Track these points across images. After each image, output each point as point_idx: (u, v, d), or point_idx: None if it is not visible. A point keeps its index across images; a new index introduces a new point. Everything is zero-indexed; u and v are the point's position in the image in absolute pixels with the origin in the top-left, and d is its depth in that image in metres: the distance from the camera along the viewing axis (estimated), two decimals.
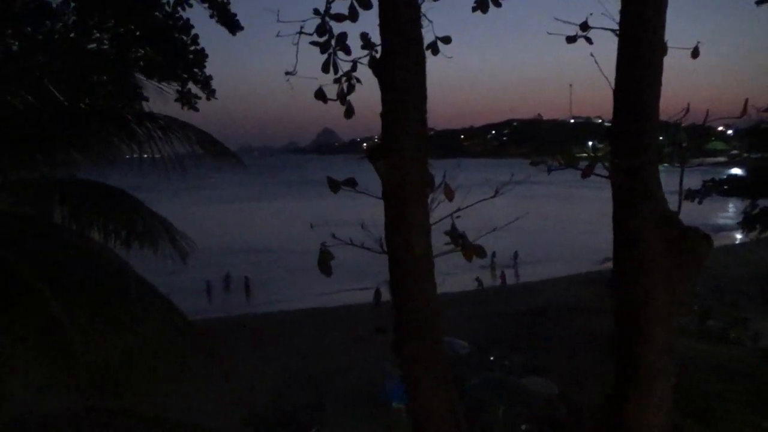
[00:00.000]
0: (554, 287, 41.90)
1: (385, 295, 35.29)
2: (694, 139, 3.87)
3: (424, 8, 3.86)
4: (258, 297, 45.35)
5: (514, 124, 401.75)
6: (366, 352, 25.28)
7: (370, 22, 4.10)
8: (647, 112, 3.67)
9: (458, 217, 3.86)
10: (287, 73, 4.50)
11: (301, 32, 4.29)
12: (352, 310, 37.30)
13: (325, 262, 4.00)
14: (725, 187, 31.44)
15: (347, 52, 4.40)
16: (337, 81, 4.47)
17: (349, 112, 4.56)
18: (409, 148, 3.74)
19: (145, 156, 7.45)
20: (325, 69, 4.41)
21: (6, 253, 5.56)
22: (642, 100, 3.67)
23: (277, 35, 4.32)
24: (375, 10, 3.91)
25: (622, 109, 3.76)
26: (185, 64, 12.18)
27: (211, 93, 12.92)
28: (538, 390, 19.64)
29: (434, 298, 3.97)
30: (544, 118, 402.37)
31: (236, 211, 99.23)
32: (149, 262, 7.75)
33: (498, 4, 4.57)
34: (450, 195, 3.89)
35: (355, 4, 4.22)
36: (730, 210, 70.82)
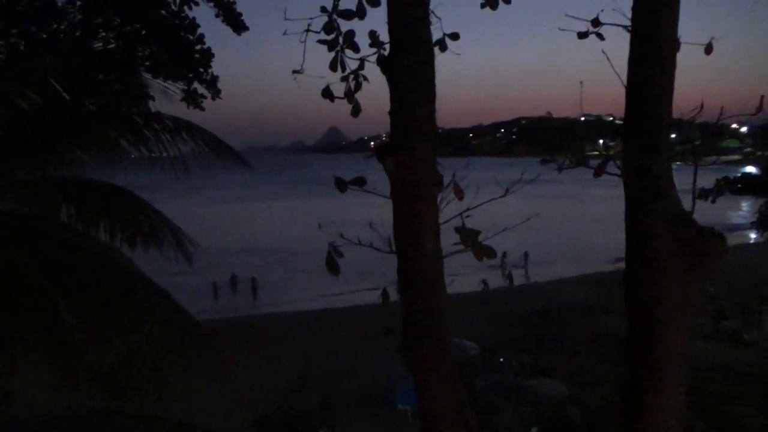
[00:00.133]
0: (564, 288, 41.78)
1: (393, 296, 35.23)
2: (708, 136, 3.82)
3: (432, 5, 3.83)
4: (264, 298, 45.38)
5: (523, 122, 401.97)
6: (373, 352, 25.24)
7: (378, 19, 4.06)
8: (659, 109, 3.61)
9: (468, 216, 3.81)
10: (294, 72, 4.49)
11: (308, 30, 4.27)
12: (359, 310, 37.24)
13: (333, 261, 3.96)
14: (739, 185, 31.16)
15: (355, 50, 4.39)
16: (344, 79, 4.45)
17: (356, 111, 4.54)
18: (418, 146, 3.69)
19: (153, 155, 7.45)
20: (332, 67, 4.40)
21: (11, 252, 5.54)
22: (654, 97, 3.61)
23: (284, 33, 4.29)
24: (383, 8, 3.87)
25: (634, 106, 3.71)
26: (191, 63, 12.17)
27: (216, 93, 12.90)
28: (549, 392, 19.55)
29: (443, 297, 3.93)
30: (554, 116, 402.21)
31: (241, 210, 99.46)
32: (155, 262, 7.73)
33: (507, 1, 4.53)
34: (459, 194, 3.85)
35: (363, 1, 4.19)
36: (744, 209, 70.38)
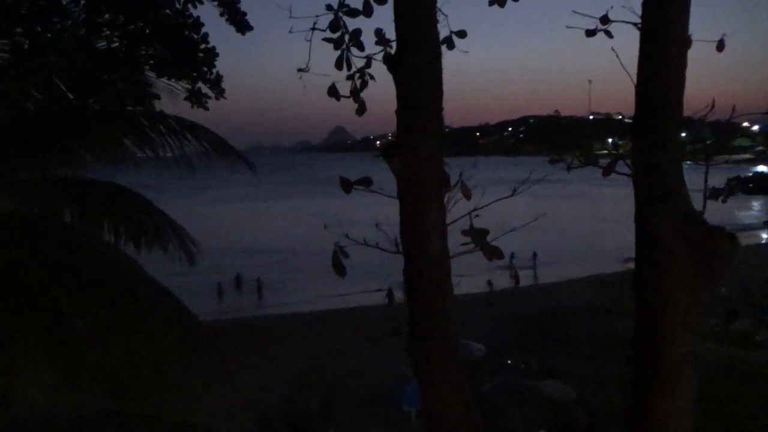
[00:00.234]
0: (572, 288, 41.77)
1: (398, 297, 35.26)
2: (719, 135, 3.75)
3: (439, 3, 3.78)
4: (269, 298, 45.42)
5: (531, 120, 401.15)
6: (379, 353, 25.22)
7: (384, 17, 4.02)
8: (669, 107, 3.55)
9: (476, 216, 3.76)
10: (299, 70, 4.45)
11: (313, 28, 4.23)
12: (364, 311, 37.30)
13: (339, 262, 3.92)
14: (750, 185, 30.96)
15: (361, 48, 4.34)
16: (350, 78, 4.41)
17: (362, 109, 4.49)
18: (424, 145, 3.64)
19: (158, 154, 7.44)
20: (338, 66, 4.36)
21: (14, 253, 5.52)
22: (664, 94, 3.55)
23: (290, 32, 4.25)
24: (389, 5, 3.82)
25: (643, 104, 3.65)
26: (195, 62, 12.14)
27: (220, 93, 12.87)
28: (556, 394, 19.51)
29: (450, 298, 3.87)
30: (562, 114, 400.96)
31: (245, 210, 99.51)
32: (158, 262, 7.72)
33: None
34: (467, 194, 3.81)
35: None
36: (755, 208, 70.02)
